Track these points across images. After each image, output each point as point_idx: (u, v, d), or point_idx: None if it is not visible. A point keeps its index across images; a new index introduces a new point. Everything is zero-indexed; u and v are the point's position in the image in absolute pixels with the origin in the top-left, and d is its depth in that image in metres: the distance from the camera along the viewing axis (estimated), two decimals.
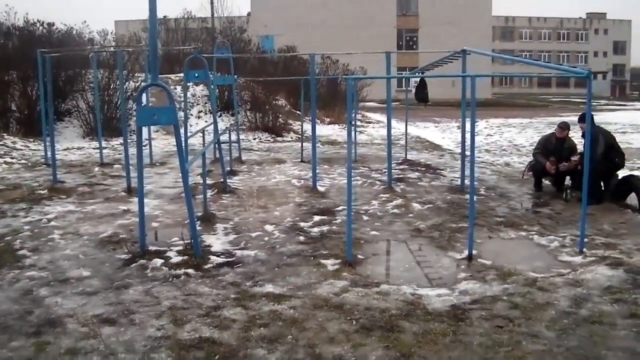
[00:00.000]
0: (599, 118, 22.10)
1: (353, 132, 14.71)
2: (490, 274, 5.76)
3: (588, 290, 5.28)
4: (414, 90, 13.66)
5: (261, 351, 4.13)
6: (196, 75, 10.22)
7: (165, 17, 35.47)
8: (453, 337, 4.37)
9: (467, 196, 8.47)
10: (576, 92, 75.56)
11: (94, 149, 15.65)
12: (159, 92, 16.37)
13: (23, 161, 13.74)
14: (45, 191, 9.91)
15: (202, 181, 8.33)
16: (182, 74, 20.85)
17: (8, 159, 13.76)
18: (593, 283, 5.46)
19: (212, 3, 42.30)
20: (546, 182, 10.23)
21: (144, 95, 11.71)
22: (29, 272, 5.86)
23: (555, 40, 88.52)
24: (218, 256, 6.30)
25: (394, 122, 19.62)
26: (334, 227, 7.56)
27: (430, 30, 56.25)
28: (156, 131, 18.35)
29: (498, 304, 5.00)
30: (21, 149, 15.47)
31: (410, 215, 8.29)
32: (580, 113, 9.39)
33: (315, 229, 7.49)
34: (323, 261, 6.16)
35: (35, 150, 15.45)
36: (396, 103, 23.96)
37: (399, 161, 13.32)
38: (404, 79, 26.19)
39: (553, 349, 4.18)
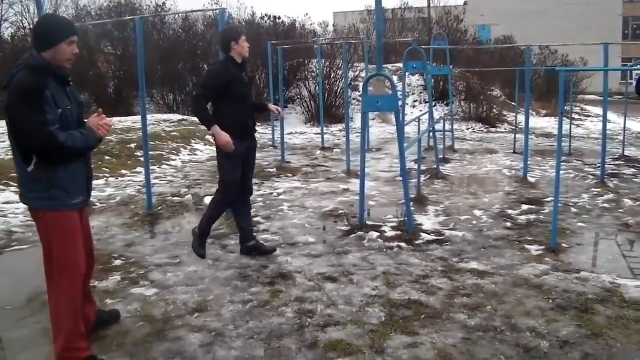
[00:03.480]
0: None
1: (568, 125, 14.72)
2: None
3: None
4: (635, 83, 13.25)
5: (462, 316, 4.64)
6: (414, 66, 10.80)
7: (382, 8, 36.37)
8: None
9: None
10: None
11: (315, 133, 16.85)
12: (377, 82, 17.18)
13: None
14: (274, 169, 11.06)
15: (416, 166, 8.91)
16: (398, 64, 21.60)
17: None
18: None
19: None
20: None
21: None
22: (264, 235, 6.86)
23: None
24: (428, 234, 6.88)
25: (614, 117, 19.09)
26: (540, 216, 7.80)
27: None
28: (372, 119, 19.19)
29: None
30: None
31: (620, 210, 8.27)
32: None
33: (522, 217, 7.79)
34: (527, 246, 6.50)
35: (262, 133, 16.87)
36: (619, 96, 23.02)
37: (615, 156, 13.03)
38: (628, 72, 24.96)
39: None
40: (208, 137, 14.45)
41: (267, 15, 23.31)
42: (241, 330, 4.41)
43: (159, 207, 8.24)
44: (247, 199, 6.28)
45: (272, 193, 9.08)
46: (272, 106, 6.51)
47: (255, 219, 7.55)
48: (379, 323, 4.50)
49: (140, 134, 8.81)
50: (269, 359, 4.02)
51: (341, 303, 4.87)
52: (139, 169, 10.93)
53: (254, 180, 9.85)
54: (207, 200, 8.38)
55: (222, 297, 5.04)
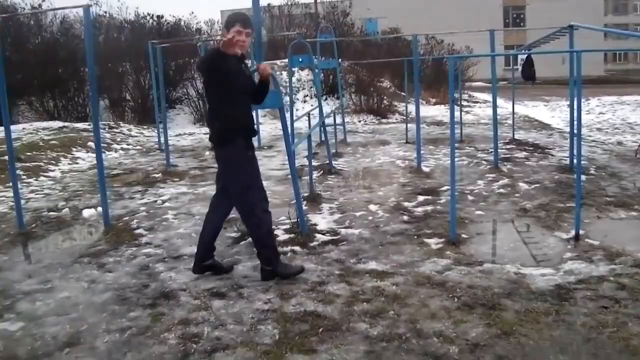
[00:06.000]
0: None
1: (458, 112, 14.73)
2: (597, 254, 5.62)
3: None
4: (520, 68, 13.40)
5: (363, 325, 4.24)
6: (300, 60, 10.42)
7: (269, 4, 35.98)
8: (556, 316, 4.32)
9: (576, 175, 8.30)
10: None
11: (204, 134, 16.15)
12: None
13: (138, 147, 14.42)
14: (160, 175, 10.41)
15: (308, 163, 8.51)
16: (286, 60, 21.21)
17: (124, 145, 14.49)
18: None
19: None
20: None
21: None
22: (146, 249, 6.25)
23: None
24: (323, 234, 6.49)
25: (501, 102, 19.38)
26: (438, 207, 7.57)
27: (537, 6, 54.42)
28: (264, 116, 18.74)
29: (604, 284, 4.88)
30: (136, 136, 16.22)
31: (517, 195, 8.18)
32: None
33: (419, 209, 7.53)
34: (426, 240, 6.21)
35: (149, 136, 16.16)
36: (503, 82, 23.57)
37: (506, 141, 13.11)
38: (511, 58, 25.67)
39: None
40: (90, 144, 13.62)
41: (149, 15, 22.45)
42: None
43: (33, 225, 7.49)
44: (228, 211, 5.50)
45: (156, 201, 8.44)
46: (260, 67, 5.25)
47: (137, 231, 6.96)
48: (273, 342, 4.03)
49: (16, 144, 8.00)
50: None
51: (230, 322, 4.36)
52: None
53: (137, 188, 9.33)
54: (86, 213, 7.74)
55: (98, 326, 4.42)
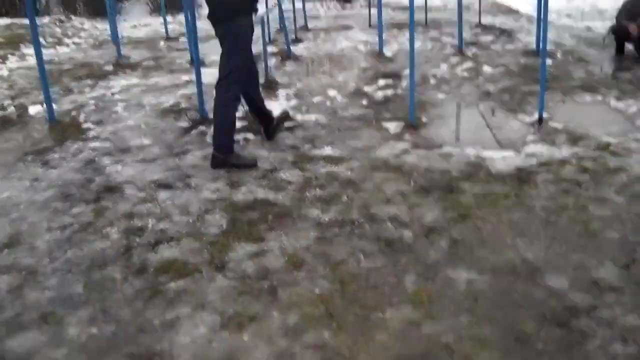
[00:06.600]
0: None
1: None
2: (560, 137, 5.47)
3: None
4: None
5: (315, 211, 4.09)
6: None
7: None
8: (515, 199, 4.19)
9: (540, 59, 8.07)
10: None
11: (160, 24, 15.49)
12: None
13: (91, 40, 13.75)
14: (111, 67, 9.94)
15: (269, 49, 8.12)
16: None
17: (76, 40, 13.80)
18: None
19: None
20: (629, 47, 9.49)
21: None
22: (93, 144, 5.92)
23: None
24: None
25: None
26: (398, 91, 7.32)
27: None
28: None
29: (566, 167, 4.75)
30: (89, 29, 15.49)
31: (481, 78, 7.94)
32: None
33: (380, 93, 7.27)
34: (385, 124, 6.00)
35: (102, 29, 15.42)
36: None
37: (473, 25, 12.71)
38: None
39: (621, 214, 3.96)
40: (40, 40, 12.98)
41: None
42: (58, 264, 3.63)
43: None
44: (257, 80, 5.67)
45: (105, 94, 8.04)
46: None
47: (84, 125, 6.61)
48: (220, 232, 3.86)
49: None
50: (89, 296, 3.30)
51: (176, 214, 4.17)
52: None
53: (87, 82, 8.91)
54: (32, 110, 7.35)
55: (39, 225, 4.17)
